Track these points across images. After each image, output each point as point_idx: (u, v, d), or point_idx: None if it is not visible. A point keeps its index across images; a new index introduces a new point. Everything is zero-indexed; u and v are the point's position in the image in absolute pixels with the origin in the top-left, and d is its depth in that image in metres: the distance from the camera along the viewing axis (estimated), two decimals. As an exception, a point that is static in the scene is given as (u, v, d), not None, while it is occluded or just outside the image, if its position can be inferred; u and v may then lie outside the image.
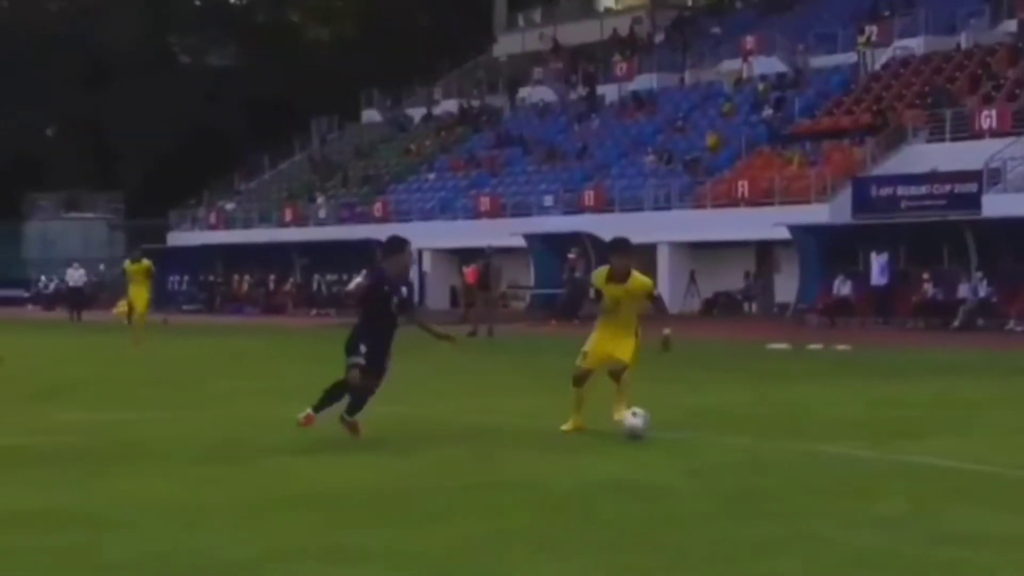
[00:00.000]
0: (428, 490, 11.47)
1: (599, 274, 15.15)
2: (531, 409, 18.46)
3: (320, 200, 70.44)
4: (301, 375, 21.61)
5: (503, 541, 9.36)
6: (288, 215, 70.11)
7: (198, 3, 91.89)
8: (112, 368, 25.73)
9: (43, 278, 71.25)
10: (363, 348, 13.80)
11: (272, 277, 63.86)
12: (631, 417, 14.11)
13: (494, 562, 8.69)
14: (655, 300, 15.50)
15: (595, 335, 15.18)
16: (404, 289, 14.38)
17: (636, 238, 59.76)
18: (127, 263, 38.89)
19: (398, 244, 14.64)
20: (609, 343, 14.98)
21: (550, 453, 13.87)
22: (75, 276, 59.94)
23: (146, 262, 38.02)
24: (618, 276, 14.75)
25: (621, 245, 15.23)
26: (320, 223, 67.88)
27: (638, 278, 14.96)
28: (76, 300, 55.99)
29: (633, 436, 13.98)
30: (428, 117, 76.24)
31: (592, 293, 15.16)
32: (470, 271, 50.38)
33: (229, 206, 74.39)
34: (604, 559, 8.71)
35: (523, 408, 18.58)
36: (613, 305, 14.82)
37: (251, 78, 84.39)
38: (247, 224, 71.64)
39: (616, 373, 14.94)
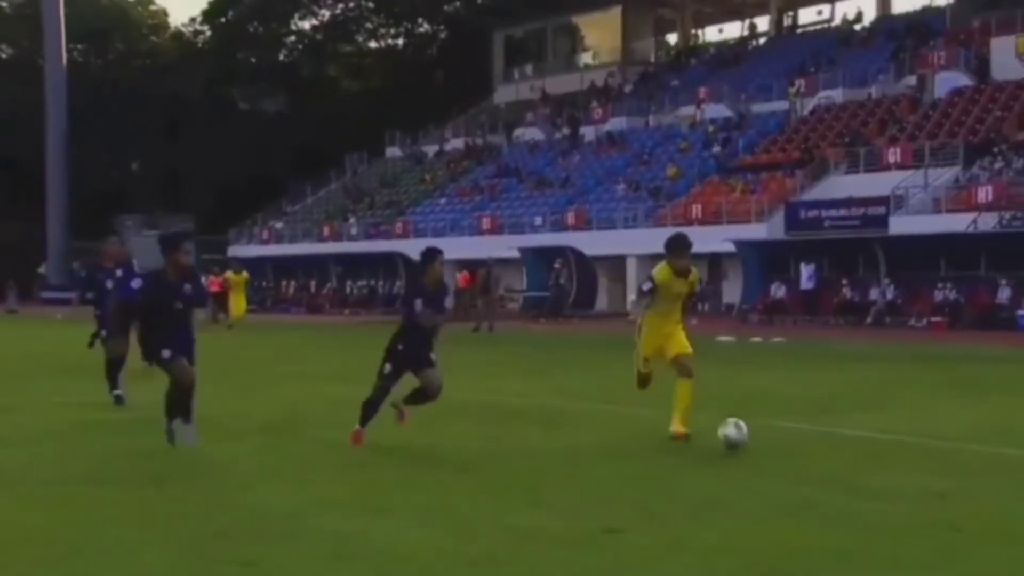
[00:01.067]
0: (444, 457, 11.45)
1: (662, 270, 12.61)
2: (525, 390, 18.49)
3: (352, 220, 70.37)
4: (339, 361, 21.54)
5: (505, 497, 9.37)
6: (326, 232, 69.97)
7: (254, 60, 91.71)
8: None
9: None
10: (400, 347, 11.99)
11: (313, 283, 63.84)
12: (733, 428, 11.54)
13: (498, 515, 8.74)
14: (696, 291, 13.19)
15: (647, 332, 12.67)
16: (418, 301, 12.10)
17: (609, 251, 59.29)
18: (230, 273, 39.49)
19: (429, 255, 12.62)
20: (660, 336, 12.59)
21: (543, 426, 13.87)
22: (153, 281, 59.92)
23: (246, 274, 38.91)
24: (681, 273, 12.55)
25: (683, 244, 12.86)
26: (352, 239, 67.71)
27: (694, 271, 12.85)
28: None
29: (731, 446, 11.45)
30: (440, 153, 76.20)
31: (647, 286, 12.64)
32: (462, 276, 50.40)
33: (278, 225, 74.29)
34: (586, 513, 8.78)
35: (519, 389, 18.59)
36: (675, 299, 12.54)
37: (296, 121, 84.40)
38: (293, 239, 71.52)
39: (686, 369, 12.48)
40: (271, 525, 8.28)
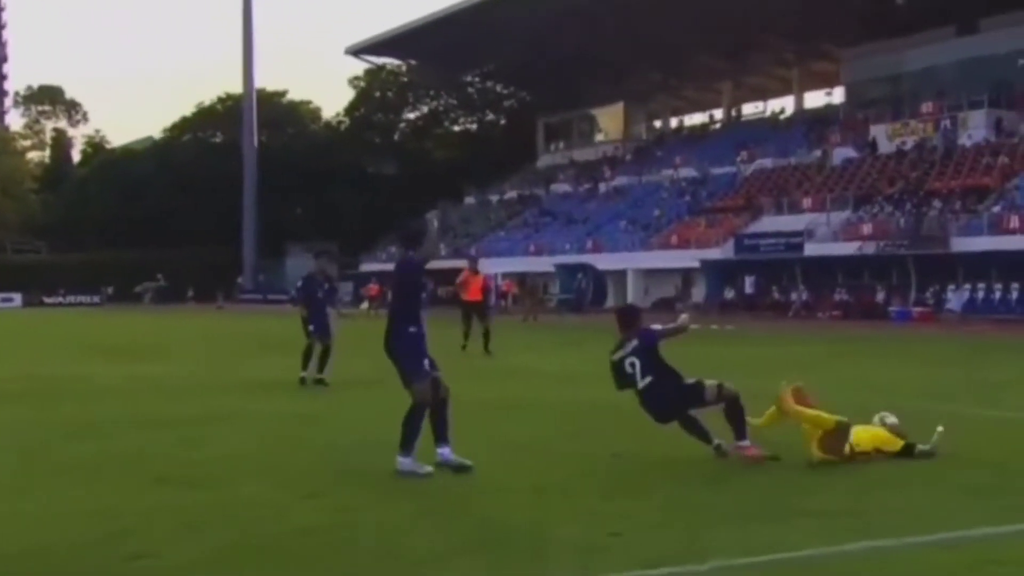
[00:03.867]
0: (488, 406, 11.46)
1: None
2: (557, 361, 18.50)
3: (442, 246, 70.45)
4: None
5: (533, 436, 9.41)
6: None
7: (377, 140, 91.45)
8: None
9: (293, 290, 71.05)
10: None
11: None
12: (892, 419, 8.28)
13: (525, 441, 8.71)
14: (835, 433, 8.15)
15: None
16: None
17: (615, 267, 58.61)
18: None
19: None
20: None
21: (560, 384, 13.84)
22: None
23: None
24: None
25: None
26: (441, 259, 67.73)
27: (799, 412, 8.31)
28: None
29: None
30: (501, 200, 76.27)
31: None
32: (506, 283, 50.58)
33: (392, 248, 74.30)
34: (576, 446, 8.70)
35: (551, 360, 18.60)
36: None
37: (404, 180, 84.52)
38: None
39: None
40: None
